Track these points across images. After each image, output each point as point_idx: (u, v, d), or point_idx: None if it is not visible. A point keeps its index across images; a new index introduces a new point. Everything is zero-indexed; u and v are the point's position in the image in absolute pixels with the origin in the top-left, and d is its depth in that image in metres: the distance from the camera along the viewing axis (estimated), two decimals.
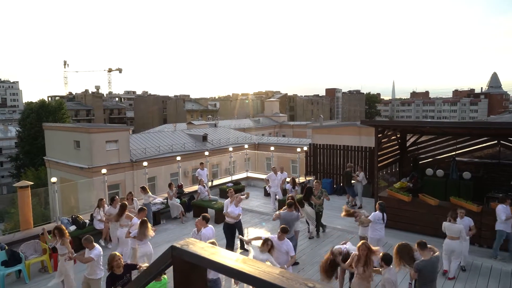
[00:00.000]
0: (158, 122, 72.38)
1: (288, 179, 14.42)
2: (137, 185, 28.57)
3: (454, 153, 12.65)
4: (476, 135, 12.18)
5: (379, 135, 11.36)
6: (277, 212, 9.44)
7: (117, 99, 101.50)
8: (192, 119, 66.47)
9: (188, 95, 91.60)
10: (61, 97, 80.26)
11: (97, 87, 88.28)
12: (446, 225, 8.14)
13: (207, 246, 1.47)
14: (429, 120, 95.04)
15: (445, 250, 8.01)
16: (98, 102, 78.22)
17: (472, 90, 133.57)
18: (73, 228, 10.19)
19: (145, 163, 13.95)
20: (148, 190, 11.67)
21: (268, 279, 1.20)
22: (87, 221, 10.64)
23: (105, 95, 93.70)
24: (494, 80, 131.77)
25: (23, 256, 8.66)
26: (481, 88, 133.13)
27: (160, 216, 12.51)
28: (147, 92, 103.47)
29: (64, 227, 7.88)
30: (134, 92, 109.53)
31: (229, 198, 9.93)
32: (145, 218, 8.28)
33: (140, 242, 8.01)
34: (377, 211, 8.54)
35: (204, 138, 36.59)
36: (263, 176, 18.35)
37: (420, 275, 5.91)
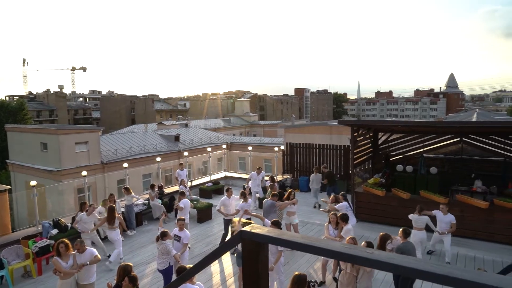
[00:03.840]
0: (126, 122, 70.63)
1: (266, 178, 14.88)
2: (109, 187, 28.02)
3: (422, 150, 13.57)
4: (442, 133, 13.14)
5: (354, 134, 12.00)
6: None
7: (81, 99, 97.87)
8: (161, 119, 65.55)
9: (157, 95, 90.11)
10: (21, 97, 76.27)
11: (61, 87, 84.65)
12: (412, 217, 8.88)
13: (269, 230, 1.80)
14: (393, 119, 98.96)
15: (414, 242, 8.67)
16: (61, 102, 75.12)
17: (432, 90, 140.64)
18: (55, 231, 10.03)
19: (125, 164, 13.83)
20: (131, 191, 11.65)
21: (332, 248, 1.55)
22: (69, 224, 10.50)
23: (68, 95, 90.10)
24: (452, 80, 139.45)
25: (6, 262, 8.47)
26: (440, 88, 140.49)
27: (142, 217, 12.51)
28: (113, 91, 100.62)
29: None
30: (99, 92, 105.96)
31: (225, 196, 10.40)
32: (113, 205, 9.46)
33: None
34: (343, 201, 9.44)
35: (176, 138, 36.33)
36: (242, 176, 18.70)
37: (405, 252, 6.58)
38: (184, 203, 10.20)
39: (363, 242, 6.60)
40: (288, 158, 17.48)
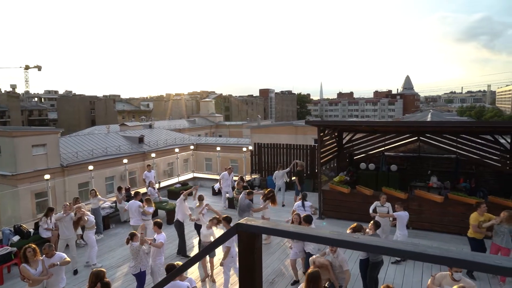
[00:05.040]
0: (85, 124, 67.86)
1: (236, 178, 15.06)
2: (69, 191, 26.88)
3: (383, 148, 14.32)
4: (401, 132, 13.95)
5: (321, 134, 12.45)
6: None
7: (36, 99, 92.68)
8: (124, 120, 63.59)
9: (119, 95, 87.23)
10: None
11: (13, 86, 79.91)
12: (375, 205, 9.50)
13: (264, 222, 1.98)
14: (355, 119, 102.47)
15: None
16: (14, 102, 70.82)
17: (390, 91, 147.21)
18: (16, 238, 9.59)
19: (90, 167, 13.42)
20: (97, 193, 11.35)
21: (323, 235, 1.75)
22: (31, 230, 10.07)
23: (22, 95, 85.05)
24: (407, 82, 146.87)
25: None
26: (397, 89, 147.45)
27: (109, 221, 12.22)
28: (71, 91, 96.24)
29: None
30: (56, 92, 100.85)
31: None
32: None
33: None
34: (299, 201, 10.00)
35: (141, 139, 35.56)
36: (210, 176, 18.72)
37: None
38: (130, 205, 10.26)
39: None
40: (256, 158, 17.73)
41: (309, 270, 5.27)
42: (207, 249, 2.11)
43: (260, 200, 10.92)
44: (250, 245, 1.96)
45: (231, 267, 7.93)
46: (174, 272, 2.66)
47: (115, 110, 71.46)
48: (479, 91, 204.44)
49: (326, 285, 6.04)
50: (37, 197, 24.58)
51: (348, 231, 7.18)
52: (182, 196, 10.07)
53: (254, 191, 10.86)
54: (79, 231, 10.24)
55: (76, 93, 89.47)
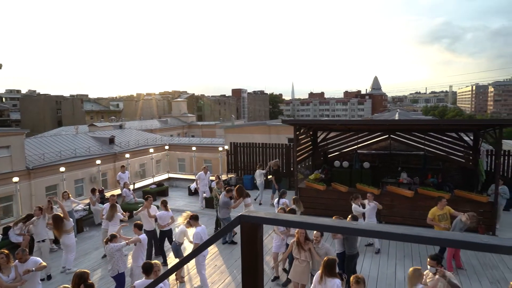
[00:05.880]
0: (51, 125, 65.14)
1: (212, 178, 15.05)
2: (36, 195, 25.81)
3: (356, 146, 14.77)
4: (373, 130, 14.44)
5: (297, 133, 12.67)
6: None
7: None
8: (92, 121, 61.69)
9: (86, 95, 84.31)
10: None
11: None
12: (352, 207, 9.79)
13: (266, 212, 2.06)
14: (326, 119, 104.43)
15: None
16: None
17: (359, 91, 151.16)
18: None
19: (62, 169, 12.96)
20: (70, 196, 11.00)
21: (323, 223, 1.86)
22: (0, 235, 9.63)
23: None
24: (376, 83, 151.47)
25: None
26: (366, 89, 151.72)
27: (82, 223, 11.88)
28: (35, 91, 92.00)
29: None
30: (19, 91, 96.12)
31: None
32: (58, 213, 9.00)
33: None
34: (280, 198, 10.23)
35: (111, 140, 34.61)
36: (185, 176, 18.57)
37: (349, 239, 7.33)
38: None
39: (314, 232, 7.09)
40: (232, 157, 17.76)
41: (326, 258, 5.71)
42: (215, 236, 2.18)
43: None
44: (252, 235, 2.04)
45: (204, 266, 7.86)
46: (169, 270, 2.68)
47: (83, 110, 69.13)
48: (442, 91, 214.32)
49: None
50: (1, 202, 23.46)
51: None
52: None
53: (233, 188, 10.93)
54: (51, 235, 9.92)
55: (41, 93, 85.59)
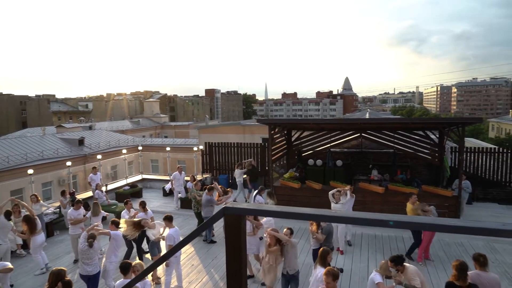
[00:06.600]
0: (15, 126, 62.33)
1: (187, 178, 14.95)
2: (0, 200, 24.58)
3: (329, 145, 15.12)
4: (345, 129, 14.84)
5: (271, 132, 12.83)
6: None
7: None
8: (60, 122, 59.53)
9: (53, 95, 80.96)
10: None
11: None
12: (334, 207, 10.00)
13: (249, 204, 2.15)
14: (298, 118, 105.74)
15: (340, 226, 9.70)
16: None
17: (331, 92, 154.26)
18: None
19: (30, 171, 12.48)
20: (39, 198, 10.63)
21: (304, 212, 1.97)
22: None
23: None
24: (347, 83, 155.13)
25: None
26: (337, 90, 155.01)
27: (53, 227, 11.49)
28: None
29: None
30: None
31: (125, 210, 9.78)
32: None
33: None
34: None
35: (81, 142, 33.59)
36: (159, 177, 18.33)
37: (328, 236, 7.58)
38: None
39: (285, 229, 7.23)
40: (207, 157, 17.71)
41: (322, 248, 6.12)
42: (197, 230, 2.23)
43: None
44: (236, 226, 2.12)
45: (173, 268, 7.79)
46: (144, 271, 2.71)
47: (50, 111, 66.54)
48: (409, 92, 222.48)
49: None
50: None
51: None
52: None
53: (213, 185, 10.96)
54: (19, 240, 9.57)
55: (3, 93, 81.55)
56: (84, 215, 9.63)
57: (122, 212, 9.74)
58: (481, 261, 5.30)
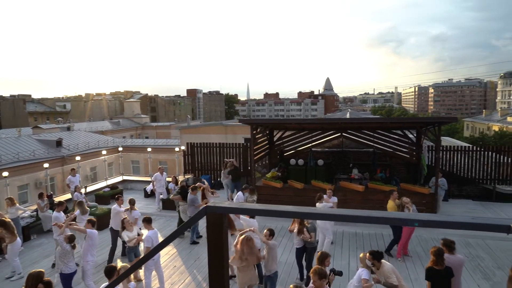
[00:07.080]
0: None
1: (169, 179, 14.84)
2: None
3: (310, 145, 15.30)
4: (326, 129, 15.05)
5: (254, 132, 12.88)
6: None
7: None
8: (37, 123, 57.83)
9: (29, 95, 78.56)
10: None
11: None
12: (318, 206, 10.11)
13: (230, 203, 2.18)
14: (280, 118, 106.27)
15: (319, 227, 9.79)
16: None
17: (312, 92, 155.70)
18: None
19: (5, 173, 12.09)
20: (16, 201, 10.32)
21: (286, 209, 2.02)
22: None
23: None
24: (328, 84, 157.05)
25: None
26: (319, 90, 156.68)
27: (29, 231, 11.18)
28: None
29: None
30: None
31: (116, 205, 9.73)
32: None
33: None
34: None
35: (59, 143, 32.77)
36: (140, 178, 18.09)
37: (313, 234, 7.74)
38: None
39: (265, 230, 7.28)
40: (189, 158, 17.59)
41: (319, 251, 6.21)
42: (179, 229, 2.25)
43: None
44: (217, 225, 2.15)
45: (152, 270, 7.78)
46: (123, 274, 2.70)
47: (25, 111, 64.56)
48: (389, 92, 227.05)
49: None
50: None
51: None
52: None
53: (197, 185, 10.90)
54: None
55: None
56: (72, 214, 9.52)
57: (113, 206, 9.71)
58: (451, 246, 6.14)
